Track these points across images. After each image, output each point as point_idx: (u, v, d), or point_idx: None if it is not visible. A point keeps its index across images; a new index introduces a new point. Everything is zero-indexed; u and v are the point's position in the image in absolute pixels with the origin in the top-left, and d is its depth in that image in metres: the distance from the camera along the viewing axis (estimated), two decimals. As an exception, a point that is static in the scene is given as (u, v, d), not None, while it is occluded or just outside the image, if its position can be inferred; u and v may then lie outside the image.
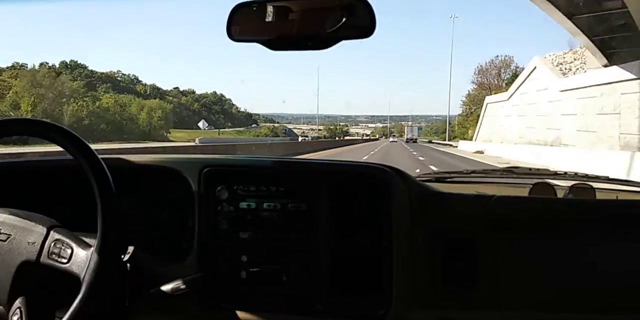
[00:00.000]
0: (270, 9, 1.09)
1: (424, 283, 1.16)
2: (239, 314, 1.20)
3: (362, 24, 1.06)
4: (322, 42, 1.09)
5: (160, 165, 1.29)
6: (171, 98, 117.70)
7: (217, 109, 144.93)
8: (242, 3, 1.11)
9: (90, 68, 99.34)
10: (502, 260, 1.16)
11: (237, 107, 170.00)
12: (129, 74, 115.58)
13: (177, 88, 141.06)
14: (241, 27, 1.12)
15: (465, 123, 70.46)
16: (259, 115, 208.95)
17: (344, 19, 1.04)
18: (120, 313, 1.09)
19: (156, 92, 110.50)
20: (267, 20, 1.09)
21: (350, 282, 1.18)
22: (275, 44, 1.10)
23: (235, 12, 1.11)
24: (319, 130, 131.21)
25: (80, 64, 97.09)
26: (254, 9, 1.10)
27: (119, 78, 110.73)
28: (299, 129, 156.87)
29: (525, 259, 1.16)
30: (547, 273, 1.15)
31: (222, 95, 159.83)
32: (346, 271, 1.18)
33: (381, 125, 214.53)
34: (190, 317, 1.23)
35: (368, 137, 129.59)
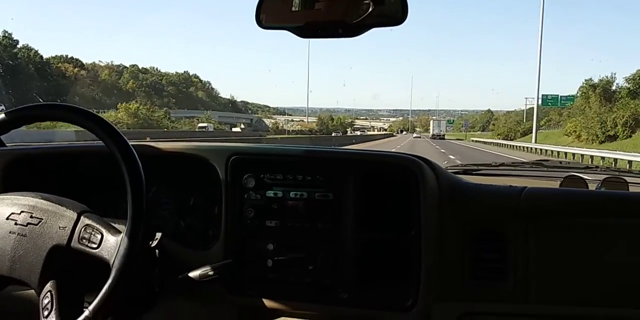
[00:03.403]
0: None
1: (452, 274, 1.16)
2: (265, 301, 1.21)
3: (392, 11, 1.05)
4: (352, 29, 1.06)
5: (188, 153, 1.31)
6: (75, 70, 78.93)
7: (171, 91, 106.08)
8: None
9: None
10: (532, 253, 1.14)
11: (215, 92, 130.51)
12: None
13: (134, 65, 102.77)
14: (269, 15, 1.11)
15: None
16: (269, 107, 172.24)
17: (371, 8, 1.02)
18: (150, 298, 1.10)
19: (26, 60, 70.37)
20: (293, 9, 1.08)
21: (377, 272, 1.17)
22: (304, 32, 1.09)
23: (263, 0, 1.10)
24: (310, 122, 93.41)
25: None
26: None
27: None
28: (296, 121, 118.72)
29: (555, 251, 1.14)
30: (577, 266, 1.14)
31: (194, 76, 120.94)
32: (373, 261, 1.17)
33: (401, 118, 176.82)
34: (217, 303, 1.25)
35: (383, 133, 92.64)
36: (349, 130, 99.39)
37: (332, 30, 1.07)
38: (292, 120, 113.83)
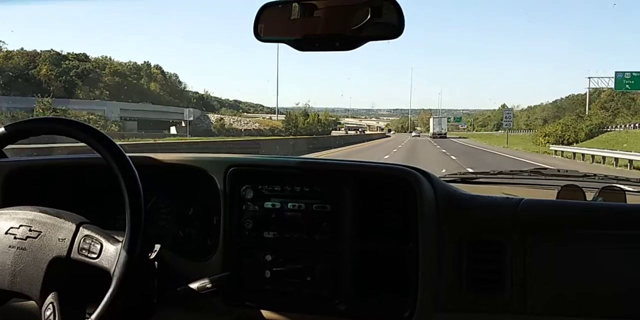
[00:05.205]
0: (296, 6, 1.09)
1: (450, 286, 1.16)
2: (263, 312, 1.21)
3: (389, 24, 1.06)
4: (349, 42, 1.07)
5: (187, 164, 1.32)
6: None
7: (108, 81, 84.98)
8: (268, 3, 1.11)
9: None
10: (529, 264, 1.15)
11: (183, 86, 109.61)
12: None
13: (81, 54, 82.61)
14: (268, 26, 1.11)
15: None
16: (262, 106, 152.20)
17: (368, 17, 1.03)
18: (148, 309, 1.11)
19: None
20: (292, 17, 1.09)
21: (375, 283, 1.18)
22: (302, 44, 1.10)
23: (262, 11, 1.11)
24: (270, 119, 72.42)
25: None
26: (280, 7, 1.11)
27: None
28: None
29: (552, 263, 1.15)
30: (575, 278, 1.14)
31: (155, 67, 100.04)
32: (370, 272, 1.18)
33: (400, 117, 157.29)
34: (215, 315, 1.25)
35: (379, 133, 79.42)
36: (342, 130, 79.18)
37: (329, 43, 1.07)
38: (269, 118, 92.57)
